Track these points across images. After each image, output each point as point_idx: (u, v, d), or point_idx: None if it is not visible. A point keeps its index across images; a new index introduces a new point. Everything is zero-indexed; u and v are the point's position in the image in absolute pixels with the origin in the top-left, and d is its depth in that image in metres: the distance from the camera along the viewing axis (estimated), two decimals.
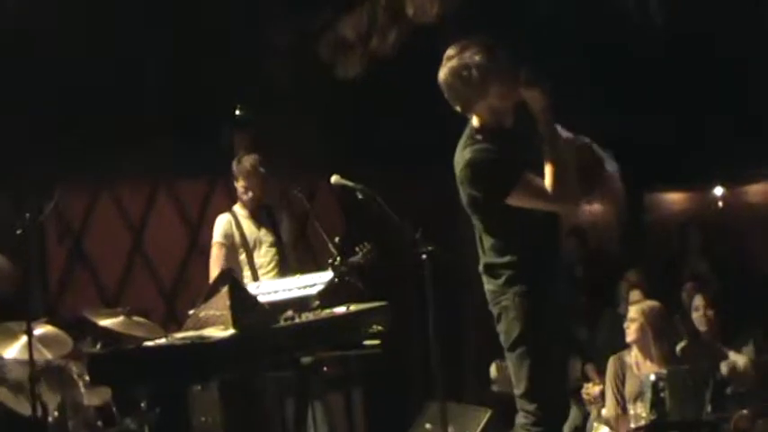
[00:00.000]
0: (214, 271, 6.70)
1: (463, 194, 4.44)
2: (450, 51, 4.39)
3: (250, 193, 6.84)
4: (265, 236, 6.85)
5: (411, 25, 7.89)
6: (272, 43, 8.67)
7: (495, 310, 4.49)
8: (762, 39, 8.11)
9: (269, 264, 6.79)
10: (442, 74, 4.39)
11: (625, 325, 6.44)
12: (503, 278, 4.42)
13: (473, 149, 4.36)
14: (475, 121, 4.44)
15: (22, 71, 7.65)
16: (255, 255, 6.79)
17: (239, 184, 6.88)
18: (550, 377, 4.43)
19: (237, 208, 6.93)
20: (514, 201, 4.31)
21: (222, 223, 6.86)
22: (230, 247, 6.79)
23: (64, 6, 7.61)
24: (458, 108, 4.43)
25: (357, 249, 6.27)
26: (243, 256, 6.78)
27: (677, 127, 9.37)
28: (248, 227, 6.84)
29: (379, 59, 8.12)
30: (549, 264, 4.48)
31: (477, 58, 4.31)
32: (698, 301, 6.98)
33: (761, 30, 7.96)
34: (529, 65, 4.37)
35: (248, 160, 6.84)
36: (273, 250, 6.83)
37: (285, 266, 6.82)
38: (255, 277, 6.65)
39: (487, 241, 4.47)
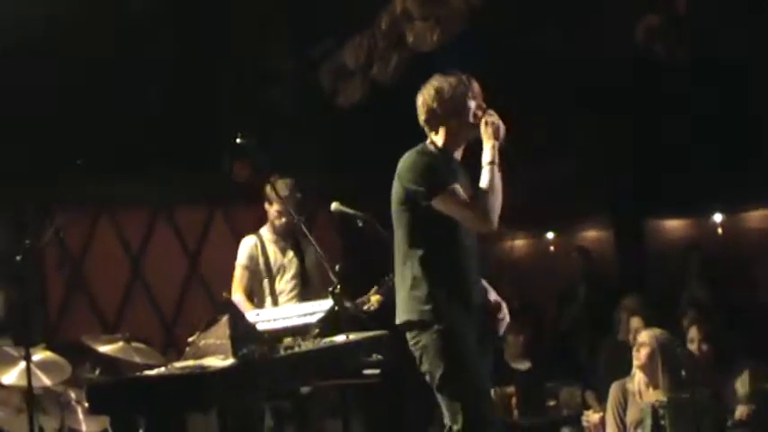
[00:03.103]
0: (236, 292, 6.57)
1: (396, 190, 4.68)
2: (435, 76, 4.81)
3: (284, 219, 6.62)
4: (290, 263, 6.68)
5: (411, 53, 7.94)
6: (273, 71, 8.72)
7: (415, 352, 4.63)
8: (763, 65, 8.14)
9: (291, 290, 6.65)
10: (422, 89, 4.80)
11: (635, 349, 6.41)
12: (419, 316, 4.58)
13: (422, 151, 4.72)
14: (429, 140, 4.79)
15: (22, 97, 7.67)
16: (277, 280, 6.64)
17: (273, 209, 6.64)
18: (483, 408, 4.58)
19: (265, 231, 6.75)
20: (440, 203, 4.55)
21: (248, 246, 6.67)
22: (253, 270, 6.64)
23: (65, 33, 7.64)
24: (422, 120, 4.79)
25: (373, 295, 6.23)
26: (265, 281, 6.63)
27: (678, 154, 9.39)
28: (274, 252, 6.67)
29: (380, 87, 8.16)
30: (467, 293, 4.65)
31: (455, 82, 4.75)
32: (693, 332, 6.99)
33: (761, 54, 7.99)
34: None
35: (283, 184, 6.53)
36: (297, 277, 6.66)
37: (307, 293, 6.60)
38: (276, 303, 6.54)
39: (407, 264, 4.63)
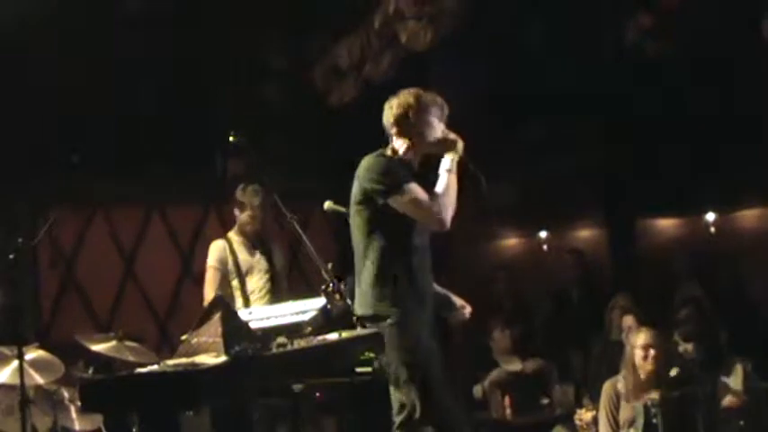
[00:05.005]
0: (208, 294, 6.69)
1: (354, 190, 4.85)
2: (412, 89, 4.95)
3: (256, 225, 6.79)
4: (258, 263, 6.84)
5: (404, 52, 7.95)
6: (267, 70, 8.72)
7: None
8: (754, 66, 8.17)
9: (261, 290, 6.80)
10: (400, 95, 4.93)
11: (630, 348, 6.41)
12: (374, 311, 4.76)
13: (381, 154, 4.91)
14: (390, 147, 4.94)
15: (19, 97, 7.68)
16: (248, 281, 6.78)
17: (245, 213, 6.81)
18: (439, 396, 4.71)
19: (233, 234, 6.90)
20: (397, 201, 4.72)
21: (217, 248, 6.85)
22: (224, 272, 6.78)
23: (63, 33, 7.65)
24: (390, 123, 4.92)
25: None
26: (235, 282, 6.78)
27: (669, 154, 9.41)
28: (242, 253, 6.82)
29: (373, 85, 8.17)
30: (421, 288, 4.82)
31: (426, 97, 4.92)
32: (675, 336, 7.02)
33: (754, 57, 8.02)
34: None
35: (253, 191, 6.75)
36: (266, 277, 6.84)
37: (277, 293, 6.80)
38: (247, 303, 6.66)
39: (364, 262, 4.80)
